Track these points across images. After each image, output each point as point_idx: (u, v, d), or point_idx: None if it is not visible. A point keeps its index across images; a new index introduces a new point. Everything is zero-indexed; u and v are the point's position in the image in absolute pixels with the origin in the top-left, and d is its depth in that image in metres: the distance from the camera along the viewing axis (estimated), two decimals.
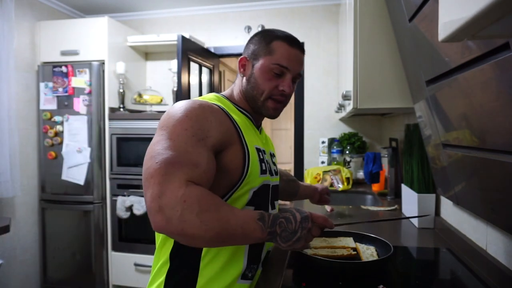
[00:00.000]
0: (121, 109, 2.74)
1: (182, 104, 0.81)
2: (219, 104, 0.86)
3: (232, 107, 0.92)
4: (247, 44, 0.96)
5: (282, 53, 0.88)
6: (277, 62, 0.88)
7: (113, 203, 2.64)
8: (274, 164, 1.02)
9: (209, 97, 0.90)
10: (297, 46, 0.91)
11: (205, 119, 0.77)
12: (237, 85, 0.96)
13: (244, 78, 0.93)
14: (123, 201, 2.58)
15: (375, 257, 0.97)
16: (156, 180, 0.68)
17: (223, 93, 0.97)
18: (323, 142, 2.83)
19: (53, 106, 2.63)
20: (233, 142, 0.81)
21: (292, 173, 4.07)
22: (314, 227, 0.78)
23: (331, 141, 2.75)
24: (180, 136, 0.74)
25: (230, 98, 0.95)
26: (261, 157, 0.88)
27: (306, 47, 2.81)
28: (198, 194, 0.68)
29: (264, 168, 0.88)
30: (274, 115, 0.94)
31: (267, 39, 0.91)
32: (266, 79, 0.89)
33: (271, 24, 2.86)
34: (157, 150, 0.72)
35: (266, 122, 5.39)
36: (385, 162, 2.18)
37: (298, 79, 0.94)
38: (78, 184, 2.60)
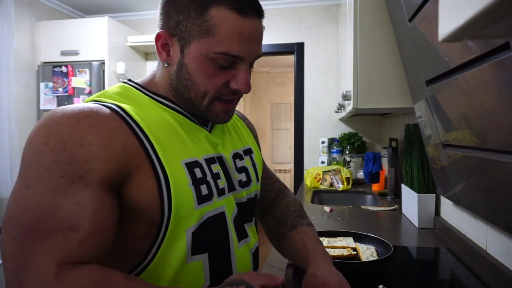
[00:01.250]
0: None
1: (45, 118, 0.51)
2: (119, 102, 0.56)
3: (149, 102, 0.61)
4: (164, 5, 0.58)
5: (230, 32, 0.54)
6: (223, 51, 0.55)
7: None
8: (245, 169, 0.70)
9: (110, 93, 0.59)
10: (253, 10, 0.56)
11: (78, 144, 0.48)
12: (163, 75, 0.63)
13: (171, 68, 0.60)
14: None
15: (375, 257, 0.97)
16: (11, 266, 0.45)
17: (138, 80, 0.65)
18: (323, 142, 2.83)
19: (53, 106, 2.63)
20: (136, 166, 0.52)
21: (292, 173, 3.99)
22: None
23: (331, 141, 2.75)
24: (41, 180, 0.47)
25: (148, 87, 0.63)
26: (200, 175, 0.58)
27: (306, 47, 2.83)
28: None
29: (206, 192, 0.58)
30: (225, 119, 0.64)
31: (197, 2, 0.54)
32: (208, 76, 0.57)
33: (271, 24, 2.86)
34: (9, 211, 0.47)
35: (265, 122, 5.38)
36: (385, 162, 2.18)
37: (254, 61, 0.61)
38: None
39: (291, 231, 0.78)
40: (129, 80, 0.65)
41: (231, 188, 0.66)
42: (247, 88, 0.60)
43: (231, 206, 0.65)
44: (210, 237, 0.60)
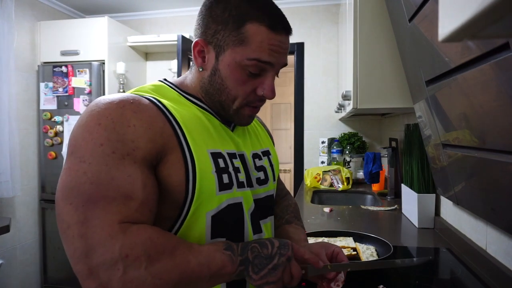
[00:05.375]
0: None
1: (94, 104, 0.57)
2: (154, 96, 0.63)
3: (179, 98, 0.67)
4: (203, 16, 0.65)
5: (261, 43, 0.61)
6: (256, 57, 0.62)
7: None
8: (263, 168, 0.76)
9: (146, 88, 0.66)
10: (282, 28, 0.63)
11: (125, 124, 0.55)
12: (195, 78, 0.70)
13: (205, 72, 0.67)
14: None
15: (375, 257, 0.97)
16: (76, 232, 0.50)
17: (171, 80, 0.72)
18: (323, 142, 2.83)
19: (53, 106, 2.63)
20: (170, 149, 0.58)
21: (292, 173, 4.02)
22: (294, 261, 0.61)
23: (331, 141, 2.75)
24: (95, 155, 0.52)
25: (180, 86, 0.70)
26: (223, 165, 0.64)
27: (306, 47, 2.82)
28: (144, 239, 0.51)
29: (227, 181, 0.64)
30: (248, 122, 0.71)
31: (236, 18, 0.61)
32: (239, 82, 0.64)
33: None
34: (67, 185, 0.52)
35: (265, 122, 5.38)
36: (385, 162, 2.18)
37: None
38: None
39: (286, 224, 0.85)
40: (165, 79, 0.72)
41: (249, 184, 0.70)
42: (272, 95, 0.66)
43: (249, 200, 0.69)
44: (228, 223, 0.64)
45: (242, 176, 0.68)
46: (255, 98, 0.67)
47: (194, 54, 0.67)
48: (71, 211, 0.51)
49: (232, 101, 0.66)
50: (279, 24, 0.63)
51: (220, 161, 0.64)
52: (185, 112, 0.63)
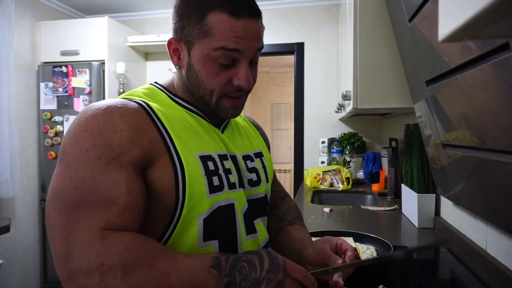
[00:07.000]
0: None
1: (83, 112, 0.58)
2: (145, 99, 0.64)
3: (169, 101, 0.68)
4: (172, 14, 0.66)
5: (225, 32, 0.60)
6: (221, 46, 0.60)
7: None
8: (255, 169, 0.75)
9: (138, 92, 0.67)
10: (247, 12, 0.61)
11: (112, 130, 0.55)
12: (178, 78, 0.71)
13: (182, 70, 0.67)
14: None
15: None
16: (58, 235, 0.50)
17: (162, 82, 0.73)
18: (323, 142, 2.83)
19: (53, 106, 2.63)
20: (158, 154, 0.58)
21: (292, 173, 4.03)
22: (289, 280, 0.57)
23: (331, 141, 2.75)
24: (81, 161, 0.53)
25: (169, 89, 0.71)
26: (212, 167, 0.63)
27: (306, 47, 2.82)
28: (121, 248, 0.50)
29: (217, 183, 0.63)
30: (235, 114, 0.70)
31: (197, 10, 0.61)
32: (211, 74, 0.63)
33: (271, 24, 2.86)
34: (54, 190, 0.53)
35: (265, 122, 5.38)
36: (385, 162, 2.18)
37: (257, 56, 0.67)
38: None
39: (289, 226, 0.84)
40: (156, 82, 0.73)
41: (241, 185, 0.70)
42: (248, 84, 0.64)
43: (242, 201, 0.69)
44: (220, 225, 0.64)
45: (233, 177, 0.67)
46: (232, 88, 0.65)
47: (169, 53, 0.67)
48: (55, 215, 0.51)
49: (210, 95, 0.65)
50: (242, 9, 0.60)
51: (210, 163, 0.64)
52: (173, 116, 0.64)
